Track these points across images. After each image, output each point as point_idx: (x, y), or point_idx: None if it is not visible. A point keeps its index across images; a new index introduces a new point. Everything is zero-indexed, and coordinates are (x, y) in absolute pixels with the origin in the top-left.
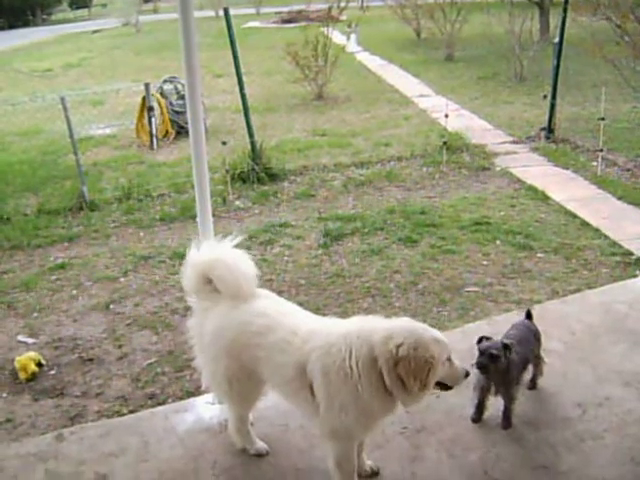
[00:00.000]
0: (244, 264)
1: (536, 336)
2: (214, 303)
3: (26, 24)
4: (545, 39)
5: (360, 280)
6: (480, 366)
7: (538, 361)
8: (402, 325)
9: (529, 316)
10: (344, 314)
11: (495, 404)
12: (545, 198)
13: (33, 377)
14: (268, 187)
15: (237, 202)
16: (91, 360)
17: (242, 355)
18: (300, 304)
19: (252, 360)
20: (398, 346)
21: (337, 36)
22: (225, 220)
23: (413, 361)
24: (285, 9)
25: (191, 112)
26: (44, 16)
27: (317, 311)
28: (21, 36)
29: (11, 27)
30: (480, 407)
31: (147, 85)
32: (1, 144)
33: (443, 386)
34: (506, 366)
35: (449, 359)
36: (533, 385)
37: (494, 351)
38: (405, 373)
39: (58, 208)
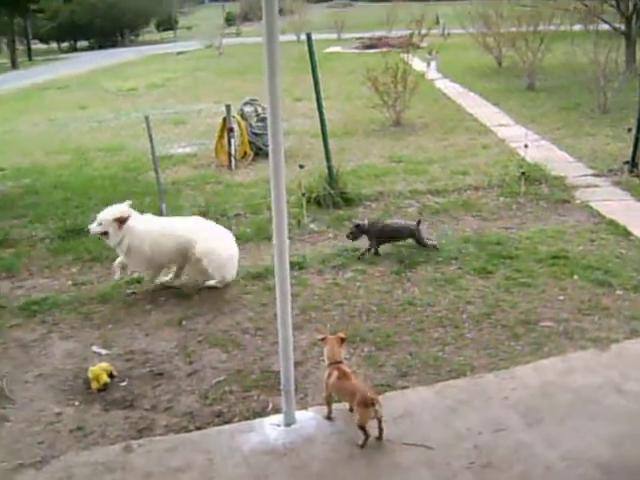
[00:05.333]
0: None
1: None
2: None
3: (114, 45)
4: (631, 70)
5: (432, 309)
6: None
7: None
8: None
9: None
10: (414, 343)
11: None
12: (626, 234)
13: (105, 387)
14: (343, 211)
15: (312, 225)
16: (161, 374)
17: None
18: (370, 330)
19: None
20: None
21: (417, 63)
22: (299, 243)
23: None
24: (366, 35)
25: (272, 134)
26: (132, 37)
27: (387, 338)
28: (109, 56)
29: (101, 47)
30: None
31: (228, 107)
32: (85, 159)
33: None
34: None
35: None
36: None
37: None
38: None
39: None
